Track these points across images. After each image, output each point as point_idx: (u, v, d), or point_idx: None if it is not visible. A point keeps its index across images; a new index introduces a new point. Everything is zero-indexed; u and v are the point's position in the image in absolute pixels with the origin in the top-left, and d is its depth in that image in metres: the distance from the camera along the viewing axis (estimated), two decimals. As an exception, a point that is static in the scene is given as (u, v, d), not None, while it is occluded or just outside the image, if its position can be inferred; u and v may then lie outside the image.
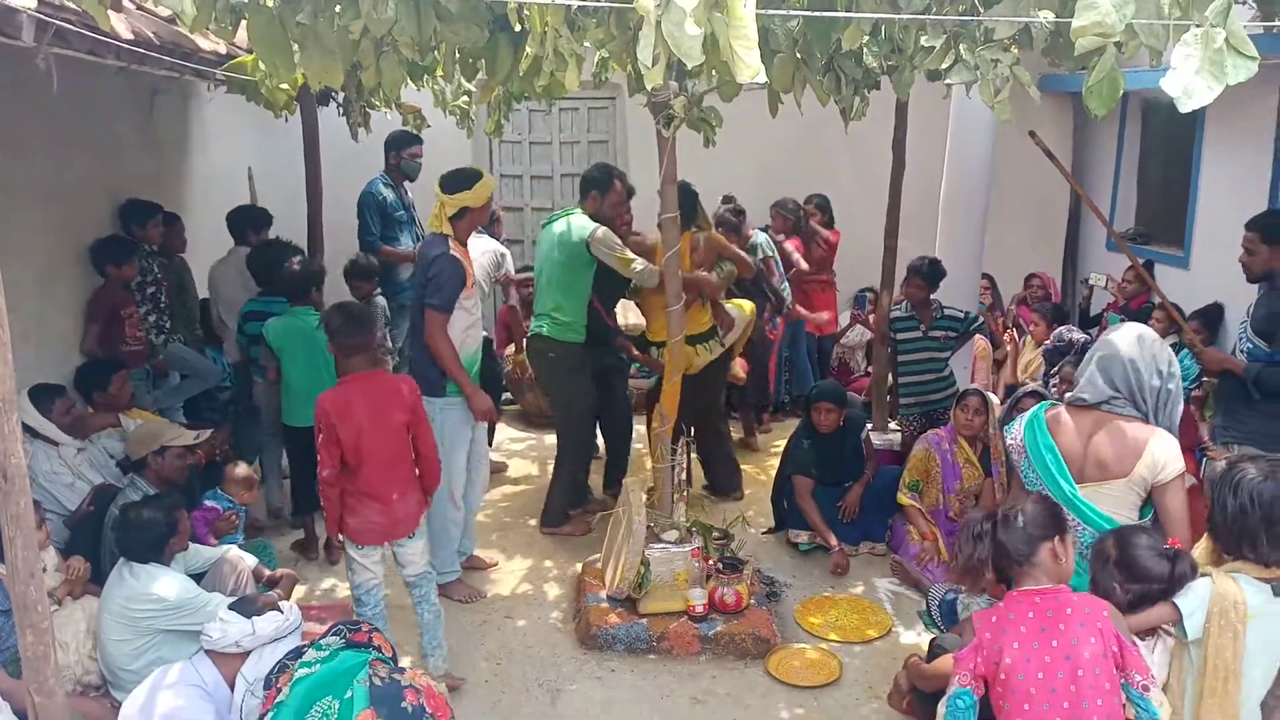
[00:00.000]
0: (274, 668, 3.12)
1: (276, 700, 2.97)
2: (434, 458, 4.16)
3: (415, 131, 6.70)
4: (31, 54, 3.14)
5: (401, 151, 6.87)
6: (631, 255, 5.15)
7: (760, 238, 6.86)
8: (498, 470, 6.40)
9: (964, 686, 2.77)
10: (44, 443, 4.34)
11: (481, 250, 6.12)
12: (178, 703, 3.10)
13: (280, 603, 3.40)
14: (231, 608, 3.30)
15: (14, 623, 2.65)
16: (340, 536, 4.04)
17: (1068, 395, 3.36)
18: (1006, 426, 3.51)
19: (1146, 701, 2.65)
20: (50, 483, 4.33)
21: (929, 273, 5.84)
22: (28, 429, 4.01)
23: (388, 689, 3.08)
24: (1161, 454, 3.09)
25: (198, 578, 4.00)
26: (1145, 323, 6.47)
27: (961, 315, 5.97)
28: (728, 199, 6.94)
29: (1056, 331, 6.78)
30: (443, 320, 4.54)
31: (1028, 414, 3.39)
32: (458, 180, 4.62)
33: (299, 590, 4.82)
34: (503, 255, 6.50)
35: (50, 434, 4.36)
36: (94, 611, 3.72)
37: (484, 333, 5.21)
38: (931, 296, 5.91)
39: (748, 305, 5.99)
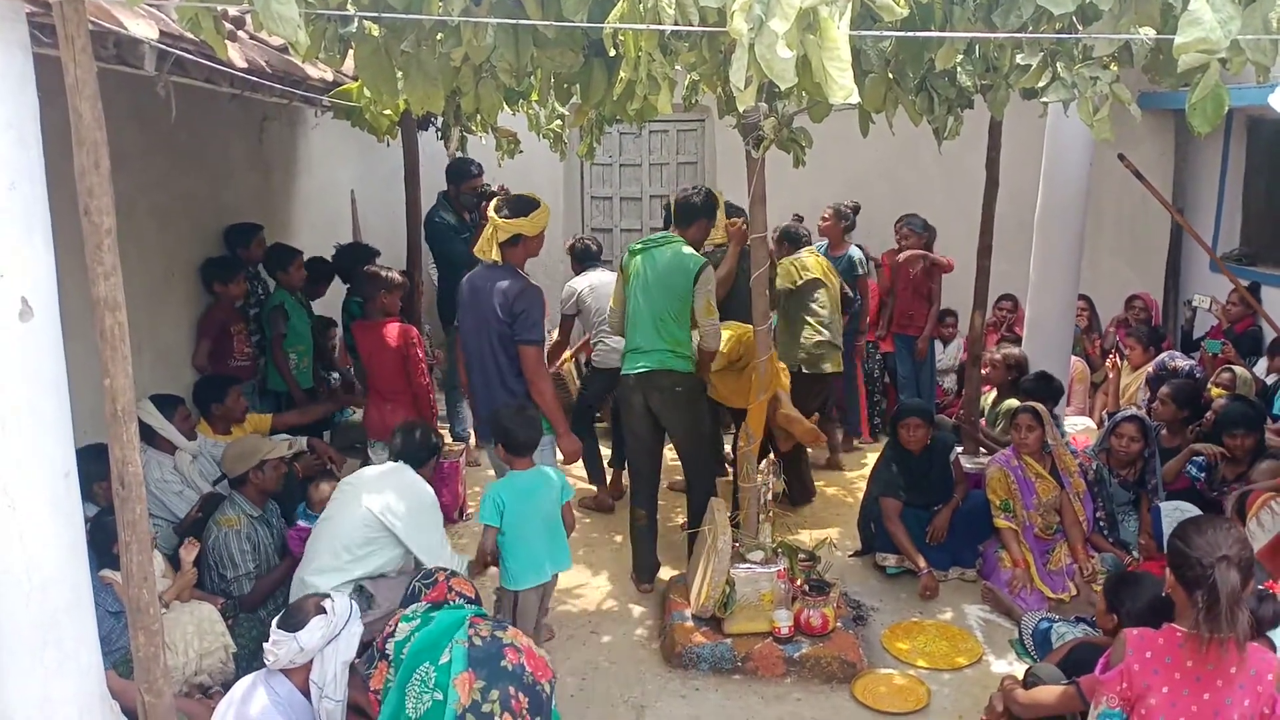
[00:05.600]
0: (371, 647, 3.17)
1: (386, 677, 3.03)
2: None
3: (478, 163, 6.80)
4: (152, 82, 3.33)
5: (460, 184, 6.80)
6: (715, 308, 4.93)
7: (855, 253, 6.88)
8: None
9: (1114, 708, 2.71)
10: (156, 451, 4.56)
11: (609, 281, 6.27)
12: None
13: (324, 602, 3.32)
14: (279, 625, 3.26)
15: (124, 624, 2.78)
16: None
17: None
18: None
19: None
20: (161, 490, 4.55)
21: None
22: (141, 437, 4.23)
23: (487, 648, 3.07)
24: None
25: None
26: (1252, 346, 6.31)
27: None
28: (798, 217, 6.91)
29: (1159, 359, 6.57)
30: (541, 355, 4.46)
31: None
32: (514, 206, 4.52)
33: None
34: None
35: (171, 437, 4.63)
36: (203, 615, 3.87)
37: None
38: None
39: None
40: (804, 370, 6.15)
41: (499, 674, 3.09)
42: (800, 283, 6.18)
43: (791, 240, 6.45)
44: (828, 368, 6.21)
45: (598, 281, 6.24)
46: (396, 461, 4.39)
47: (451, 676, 3.02)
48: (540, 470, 4.30)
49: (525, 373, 4.44)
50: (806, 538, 5.39)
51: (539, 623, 4.39)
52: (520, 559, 4.20)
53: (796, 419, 5.67)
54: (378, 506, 4.12)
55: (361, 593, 4.09)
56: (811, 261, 6.30)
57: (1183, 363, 6.41)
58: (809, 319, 6.18)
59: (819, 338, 6.16)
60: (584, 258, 6.46)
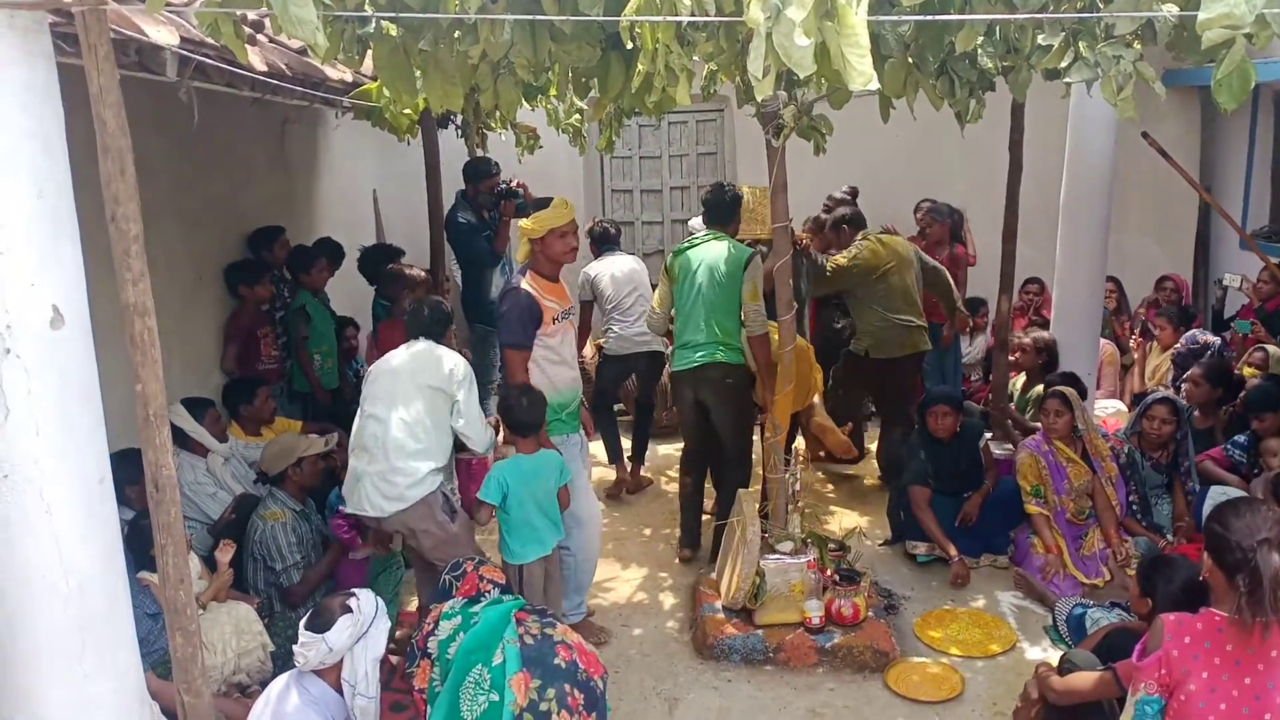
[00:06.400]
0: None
1: (431, 676, 3.03)
2: None
3: (495, 161, 6.80)
4: (174, 88, 3.35)
5: (479, 184, 6.82)
6: (759, 294, 4.87)
7: None
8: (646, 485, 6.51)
9: (1153, 694, 2.68)
10: (189, 454, 4.61)
11: (623, 266, 6.26)
12: None
13: (349, 600, 3.29)
14: (306, 626, 3.24)
15: (162, 626, 2.80)
16: None
17: None
18: None
19: None
20: (194, 492, 4.60)
21: None
22: (173, 441, 4.28)
23: (540, 647, 3.07)
24: None
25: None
26: (1284, 325, 6.23)
27: None
28: (828, 207, 6.65)
29: (1189, 334, 6.50)
30: (518, 357, 4.43)
31: None
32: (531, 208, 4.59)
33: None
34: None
35: (203, 439, 4.69)
36: (241, 615, 3.91)
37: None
38: None
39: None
40: (870, 355, 5.91)
41: (553, 672, 3.11)
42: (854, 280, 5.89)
43: (851, 223, 6.11)
44: (893, 352, 5.86)
45: (613, 267, 6.24)
46: (415, 339, 4.38)
47: (506, 677, 3.04)
48: (544, 454, 4.35)
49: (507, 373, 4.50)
50: (836, 527, 5.37)
51: (548, 592, 4.40)
52: (523, 537, 4.26)
53: (830, 429, 5.66)
54: (427, 378, 4.18)
55: (447, 501, 4.19)
56: (854, 258, 5.94)
57: (1211, 339, 6.36)
58: (875, 306, 5.87)
59: (878, 324, 5.86)
60: (602, 240, 6.48)
